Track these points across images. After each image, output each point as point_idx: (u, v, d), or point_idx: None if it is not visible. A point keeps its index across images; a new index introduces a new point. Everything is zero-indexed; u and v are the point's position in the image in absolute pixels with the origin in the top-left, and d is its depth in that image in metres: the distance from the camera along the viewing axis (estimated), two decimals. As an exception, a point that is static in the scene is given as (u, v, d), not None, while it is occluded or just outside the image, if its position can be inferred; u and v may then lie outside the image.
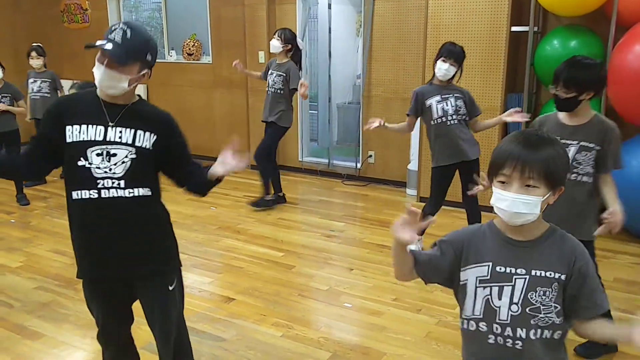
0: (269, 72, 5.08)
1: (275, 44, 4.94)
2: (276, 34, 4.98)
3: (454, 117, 3.70)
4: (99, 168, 1.90)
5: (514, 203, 1.37)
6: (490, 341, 1.47)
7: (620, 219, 2.44)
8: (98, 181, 1.90)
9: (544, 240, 1.45)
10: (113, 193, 1.91)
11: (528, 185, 1.36)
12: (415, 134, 5.40)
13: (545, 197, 1.38)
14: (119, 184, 1.91)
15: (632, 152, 4.24)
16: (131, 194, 1.93)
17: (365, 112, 6.04)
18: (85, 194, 1.91)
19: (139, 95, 2.04)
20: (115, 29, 1.86)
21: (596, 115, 2.60)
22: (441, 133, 3.75)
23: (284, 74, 4.96)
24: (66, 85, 5.70)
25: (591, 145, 2.55)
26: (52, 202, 5.38)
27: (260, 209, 5.18)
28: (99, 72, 1.88)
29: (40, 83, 5.79)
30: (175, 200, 5.43)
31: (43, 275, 3.77)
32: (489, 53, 4.77)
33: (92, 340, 2.92)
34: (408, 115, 3.86)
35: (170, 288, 2.07)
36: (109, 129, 1.91)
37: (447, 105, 3.70)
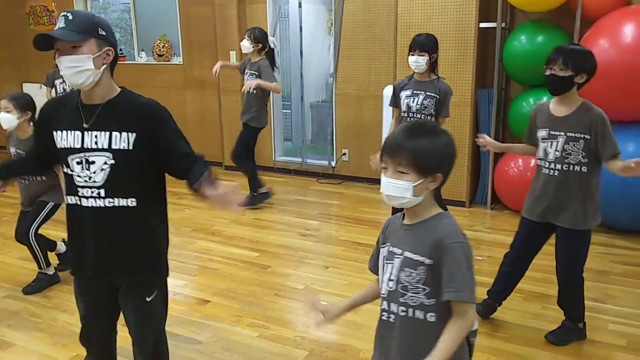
0: (246, 73, 5.07)
1: (246, 44, 4.94)
2: (246, 34, 4.97)
3: (416, 115, 3.66)
4: (79, 177, 1.86)
5: (387, 186, 1.49)
6: (380, 315, 1.62)
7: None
8: (79, 189, 1.87)
9: (422, 225, 1.52)
10: (92, 202, 1.86)
11: (401, 172, 1.46)
12: (387, 131, 5.42)
13: (417, 183, 1.46)
14: (98, 193, 1.85)
15: (599, 144, 4.33)
16: (111, 204, 1.86)
17: (338, 110, 6.05)
18: (72, 199, 1.91)
19: (122, 88, 1.93)
20: (58, 21, 1.81)
21: (584, 102, 2.63)
22: None
23: (256, 72, 4.95)
24: (32, 89, 5.60)
25: (578, 135, 2.58)
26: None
27: (256, 207, 5.15)
28: (61, 66, 1.80)
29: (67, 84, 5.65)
30: (149, 203, 5.41)
31: (12, 283, 3.69)
32: (458, 49, 4.82)
33: (63, 348, 2.89)
34: (390, 106, 3.91)
35: (148, 299, 2.00)
36: (86, 133, 1.83)
37: (412, 102, 3.68)
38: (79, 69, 1.78)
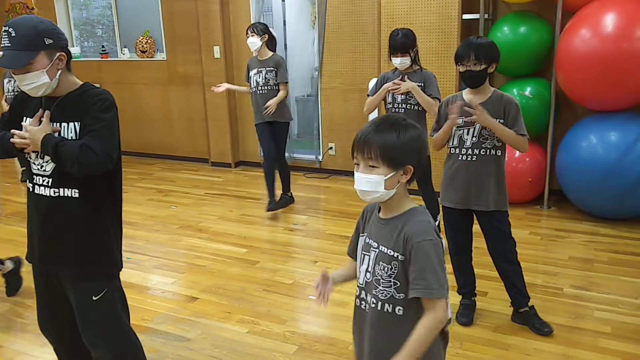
0: (253, 73, 4.78)
1: (254, 40, 4.65)
2: (249, 30, 4.69)
3: (402, 105, 3.71)
4: (34, 164, 1.95)
5: (359, 181, 1.51)
6: (355, 302, 1.66)
7: (481, 115, 2.68)
8: (34, 177, 1.96)
9: (395, 221, 1.55)
10: (41, 191, 1.95)
11: (371, 166, 1.48)
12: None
13: (388, 176, 1.48)
14: (48, 182, 1.93)
15: (582, 134, 4.37)
16: (56, 194, 1.93)
17: (324, 105, 6.05)
18: (30, 185, 1.99)
19: (85, 83, 1.98)
20: (2, 37, 1.81)
21: (495, 90, 2.80)
22: None
23: (274, 68, 4.71)
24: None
25: (495, 119, 2.71)
26: (4, 209, 5.21)
27: (280, 209, 4.98)
28: (18, 82, 1.87)
29: (15, 83, 5.59)
30: (136, 201, 5.39)
31: (-2, 284, 3.66)
32: (442, 41, 4.83)
33: (52, 348, 2.86)
34: (368, 95, 3.90)
35: (95, 298, 2.00)
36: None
37: (396, 93, 3.71)
38: (35, 85, 1.85)
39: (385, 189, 1.49)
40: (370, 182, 1.49)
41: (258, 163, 6.53)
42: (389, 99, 3.76)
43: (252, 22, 6.04)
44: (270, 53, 4.78)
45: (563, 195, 4.71)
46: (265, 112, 4.67)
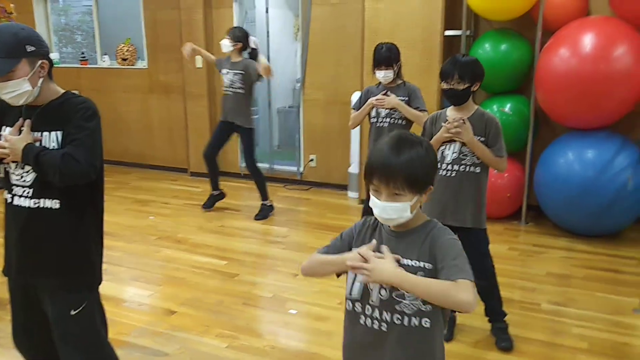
0: (224, 72, 4.93)
1: (226, 43, 4.83)
2: (227, 33, 4.89)
3: (386, 119, 3.73)
4: (14, 174, 1.90)
5: (384, 210, 1.47)
6: (362, 322, 1.55)
7: (465, 130, 2.71)
8: (13, 187, 1.91)
9: (415, 232, 1.53)
10: (21, 202, 1.90)
11: (396, 194, 1.45)
12: (355, 137, 5.45)
13: (413, 201, 1.47)
14: (28, 192, 1.88)
15: (560, 151, 4.45)
16: (36, 205, 1.88)
17: (305, 116, 6.05)
18: (8, 196, 1.94)
19: (67, 91, 1.94)
20: None
21: (478, 108, 2.83)
22: (376, 134, 3.79)
23: (242, 72, 4.82)
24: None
25: (477, 137, 2.75)
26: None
27: (264, 219, 5.06)
28: None
29: None
30: (113, 211, 5.30)
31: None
32: (424, 56, 4.88)
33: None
34: (353, 109, 3.91)
35: (73, 312, 1.95)
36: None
37: (381, 107, 3.74)
38: (17, 93, 1.81)
39: (410, 212, 1.48)
40: (397, 209, 1.46)
41: (238, 173, 6.49)
42: (373, 114, 3.78)
43: (234, 27, 6.07)
44: (240, 58, 4.90)
45: (540, 211, 4.77)
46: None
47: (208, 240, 4.54)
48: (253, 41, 4.97)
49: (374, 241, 1.52)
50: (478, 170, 2.81)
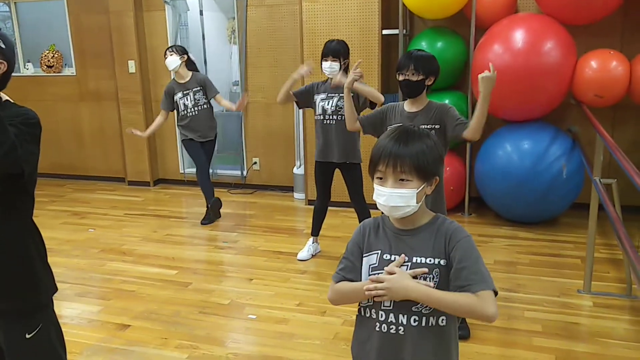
0: (179, 97, 4.80)
1: (174, 59, 4.71)
2: (167, 51, 4.76)
3: (333, 117, 3.76)
4: None
5: (391, 197, 1.44)
6: (377, 328, 1.51)
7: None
8: None
9: (425, 229, 1.51)
10: None
11: (402, 180, 1.44)
12: (300, 139, 5.44)
13: (419, 189, 1.45)
14: None
15: (497, 144, 4.62)
16: None
17: (246, 119, 5.98)
18: None
19: (7, 100, 1.81)
20: None
21: (430, 101, 2.91)
22: (321, 130, 3.83)
23: (201, 87, 4.81)
24: None
25: (430, 126, 2.81)
26: None
27: (211, 223, 5.03)
28: None
29: None
30: (49, 226, 5.02)
31: None
32: (363, 55, 4.93)
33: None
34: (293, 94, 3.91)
35: (28, 336, 1.82)
36: None
37: (327, 105, 3.76)
38: None
39: (416, 202, 1.45)
40: (403, 196, 1.43)
41: (179, 180, 6.33)
42: (319, 111, 3.78)
43: (168, 37, 5.94)
44: (190, 73, 4.87)
45: (482, 201, 4.94)
46: (237, 107, 4.83)
47: (155, 250, 4.39)
48: (190, 56, 4.95)
49: (402, 255, 1.48)
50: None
